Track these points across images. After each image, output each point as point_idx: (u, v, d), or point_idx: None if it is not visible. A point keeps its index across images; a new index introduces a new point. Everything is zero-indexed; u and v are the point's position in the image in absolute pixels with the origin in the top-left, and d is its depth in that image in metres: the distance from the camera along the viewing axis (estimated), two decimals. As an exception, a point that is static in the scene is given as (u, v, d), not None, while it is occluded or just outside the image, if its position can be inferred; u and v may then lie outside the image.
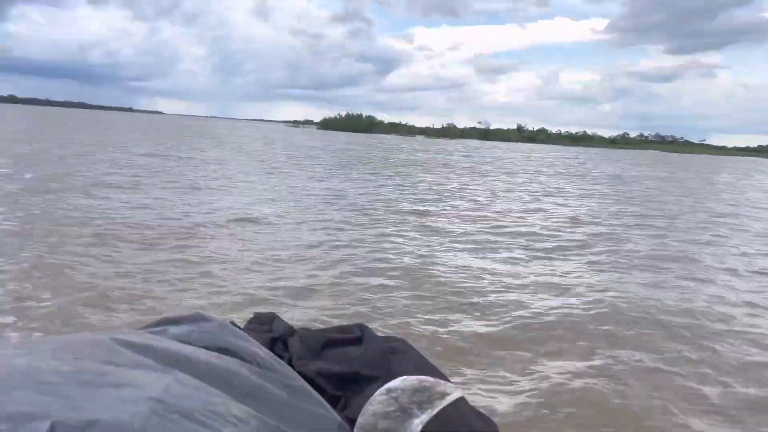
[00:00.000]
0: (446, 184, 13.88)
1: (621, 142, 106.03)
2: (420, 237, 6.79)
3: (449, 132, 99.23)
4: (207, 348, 0.81)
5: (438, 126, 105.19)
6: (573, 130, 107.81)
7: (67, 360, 0.64)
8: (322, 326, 1.54)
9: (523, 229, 7.74)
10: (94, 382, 0.61)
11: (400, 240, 6.49)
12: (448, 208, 9.63)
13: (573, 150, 66.34)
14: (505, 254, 6.07)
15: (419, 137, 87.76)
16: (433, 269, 5.10)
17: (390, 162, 22.05)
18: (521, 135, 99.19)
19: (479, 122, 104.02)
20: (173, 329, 0.86)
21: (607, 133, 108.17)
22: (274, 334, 1.17)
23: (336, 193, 10.48)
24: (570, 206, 11.04)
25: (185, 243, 5.54)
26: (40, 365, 0.62)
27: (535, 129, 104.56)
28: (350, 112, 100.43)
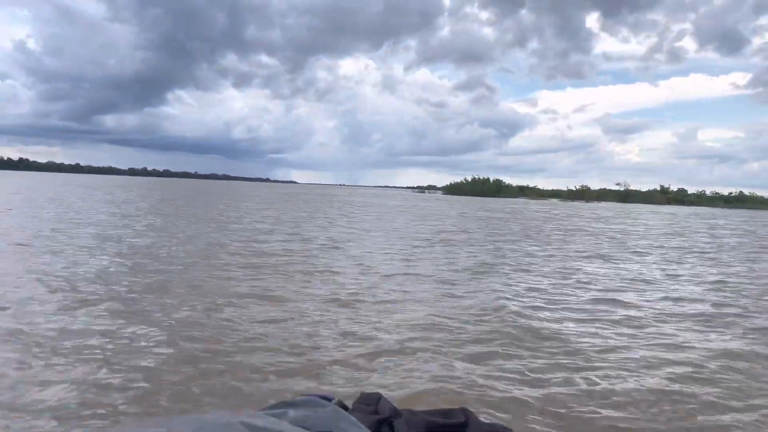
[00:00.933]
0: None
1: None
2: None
3: (584, 194, 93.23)
4: None
5: (568, 188, 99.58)
6: (717, 190, 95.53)
7: None
8: (425, 407, 1.10)
9: None
10: None
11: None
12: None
13: (739, 213, 58.20)
14: None
15: (553, 200, 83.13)
16: None
17: (554, 234, 19.41)
18: (666, 197, 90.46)
19: (617, 183, 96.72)
20: (292, 412, 0.88)
21: (760, 193, 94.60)
22: (380, 416, 1.04)
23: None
24: None
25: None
26: None
27: (674, 189, 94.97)
28: (476, 176, 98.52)
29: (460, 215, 24.47)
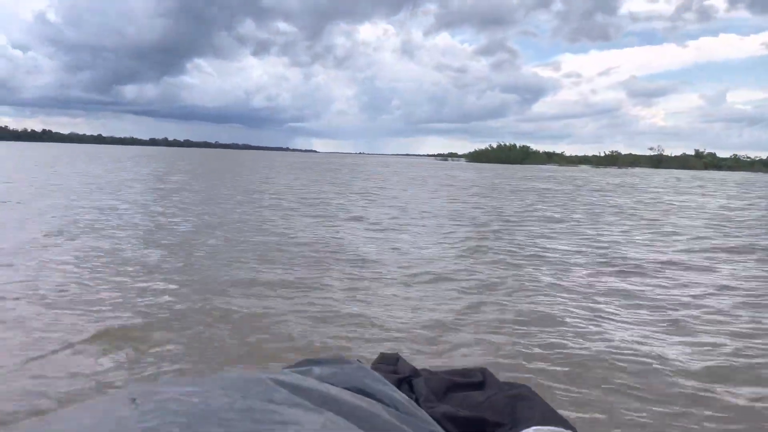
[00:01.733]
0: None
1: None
2: None
3: (617, 160, 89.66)
4: (348, 389, 0.83)
5: (598, 154, 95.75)
6: (747, 153, 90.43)
7: (237, 398, 0.70)
8: (442, 368, 1.26)
9: None
10: (264, 419, 0.67)
11: None
12: None
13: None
14: None
15: (583, 167, 79.99)
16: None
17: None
18: (702, 161, 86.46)
19: (650, 148, 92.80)
20: (317, 370, 0.90)
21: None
22: (400, 375, 1.15)
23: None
24: None
25: None
26: (213, 404, 0.67)
27: (705, 153, 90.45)
28: (501, 143, 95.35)
29: (512, 191, 21.22)
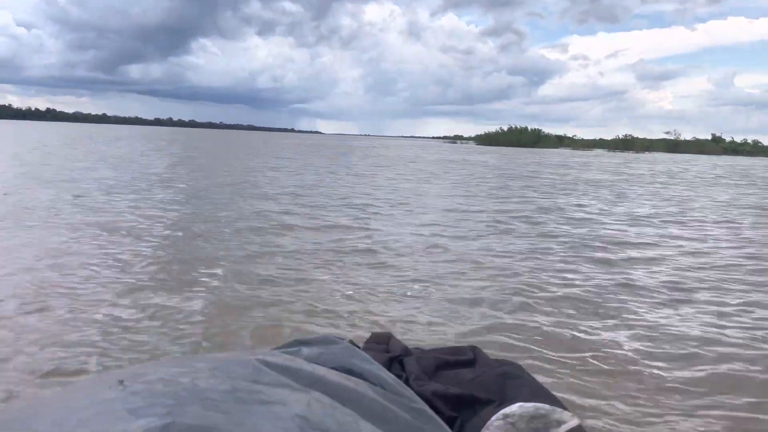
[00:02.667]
0: None
1: None
2: None
3: (632, 144, 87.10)
4: (336, 369, 0.84)
5: (604, 137, 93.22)
6: (756, 138, 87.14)
7: (224, 378, 0.70)
8: (434, 346, 1.33)
9: None
10: (248, 400, 0.67)
11: None
12: None
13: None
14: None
15: (598, 151, 77.65)
16: None
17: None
18: (721, 147, 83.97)
19: (666, 132, 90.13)
20: (305, 350, 0.91)
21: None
22: (391, 354, 1.17)
23: None
24: None
25: None
26: (201, 384, 0.67)
27: (720, 136, 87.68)
28: (512, 126, 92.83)
29: (549, 179, 19.56)
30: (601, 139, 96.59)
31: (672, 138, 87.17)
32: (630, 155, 63.51)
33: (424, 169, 23.00)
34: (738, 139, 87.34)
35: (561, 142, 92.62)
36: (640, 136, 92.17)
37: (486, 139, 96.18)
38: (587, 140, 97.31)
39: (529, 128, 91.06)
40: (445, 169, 23.05)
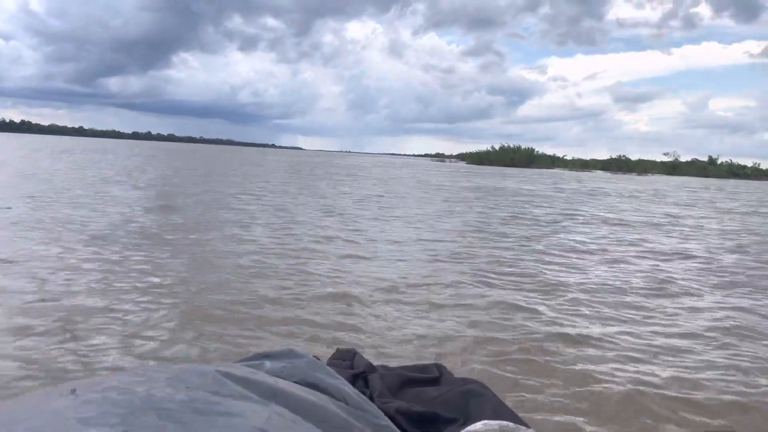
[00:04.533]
0: None
1: None
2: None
3: (626, 164, 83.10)
4: (298, 383, 0.82)
5: (583, 156, 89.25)
6: (727, 159, 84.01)
7: (181, 388, 0.68)
8: (399, 363, 1.32)
9: None
10: (206, 411, 0.65)
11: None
12: None
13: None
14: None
15: (598, 173, 73.33)
16: None
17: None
18: (721, 169, 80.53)
19: (665, 153, 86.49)
20: (268, 363, 0.89)
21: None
22: (355, 371, 1.15)
23: None
24: None
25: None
26: (157, 393, 0.66)
27: (717, 159, 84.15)
28: (504, 144, 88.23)
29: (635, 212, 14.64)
30: (593, 159, 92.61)
31: (671, 159, 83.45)
32: (637, 178, 59.28)
33: (442, 208, 17.55)
34: (723, 160, 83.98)
35: (555, 162, 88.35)
36: (634, 157, 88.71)
37: (476, 158, 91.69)
38: (579, 160, 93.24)
39: (522, 147, 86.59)
40: (486, 204, 17.54)
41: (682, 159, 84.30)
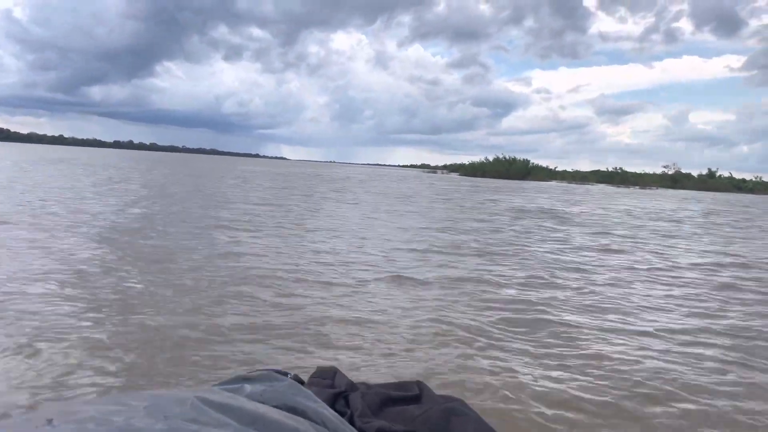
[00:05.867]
0: None
1: None
2: None
3: (623, 177, 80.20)
4: (278, 407, 0.84)
5: (567, 168, 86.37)
6: (727, 172, 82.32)
7: (159, 418, 0.68)
8: (380, 381, 1.22)
9: None
10: None
11: None
12: None
13: None
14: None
15: (600, 186, 70.19)
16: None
17: None
18: (730, 183, 78.08)
19: (664, 166, 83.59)
20: (248, 387, 0.89)
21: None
22: (336, 390, 1.12)
23: None
24: None
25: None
26: (136, 423, 0.66)
27: (716, 171, 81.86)
28: (499, 156, 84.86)
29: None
30: (592, 172, 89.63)
31: (672, 172, 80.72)
32: (645, 192, 56.14)
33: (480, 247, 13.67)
34: (693, 172, 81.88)
35: (552, 175, 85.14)
36: (631, 170, 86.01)
37: (470, 170, 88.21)
38: (576, 172, 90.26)
39: (518, 159, 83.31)
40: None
41: (669, 170, 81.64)
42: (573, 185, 65.50)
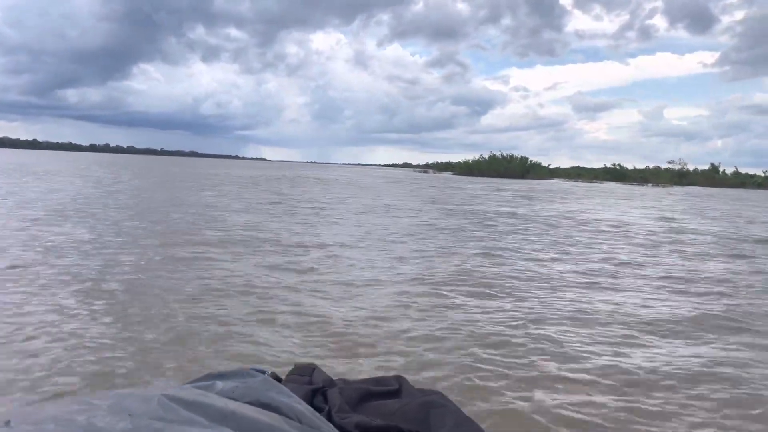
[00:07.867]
0: None
1: None
2: None
3: (625, 174, 75.97)
4: (251, 404, 0.81)
5: (604, 166, 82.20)
6: (733, 168, 79.49)
7: (123, 416, 0.66)
8: (360, 377, 1.30)
9: None
10: None
11: None
12: None
13: None
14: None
15: (611, 184, 65.73)
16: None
17: None
18: (735, 178, 74.42)
19: (670, 162, 79.64)
20: (220, 384, 0.87)
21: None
22: (314, 386, 1.10)
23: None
24: None
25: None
26: (98, 423, 0.64)
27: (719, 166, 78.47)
28: (498, 154, 79.89)
29: None
30: (592, 168, 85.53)
31: (678, 168, 76.85)
32: (658, 190, 51.80)
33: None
34: (727, 168, 78.47)
35: (551, 173, 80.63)
36: (582, 165, 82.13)
37: (465, 168, 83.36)
38: (584, 168, 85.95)
39: (516, 156, 78.58)
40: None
41: (661, 166, 78.18)
42: (584, 184, 60.91)
